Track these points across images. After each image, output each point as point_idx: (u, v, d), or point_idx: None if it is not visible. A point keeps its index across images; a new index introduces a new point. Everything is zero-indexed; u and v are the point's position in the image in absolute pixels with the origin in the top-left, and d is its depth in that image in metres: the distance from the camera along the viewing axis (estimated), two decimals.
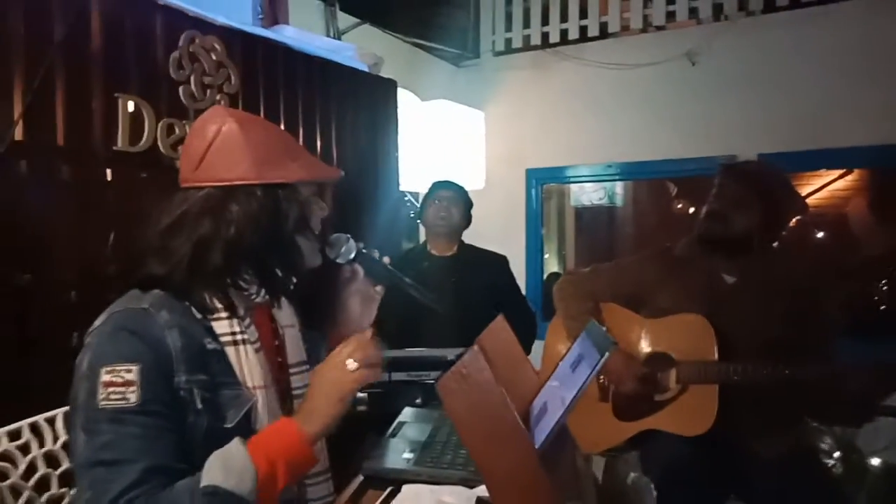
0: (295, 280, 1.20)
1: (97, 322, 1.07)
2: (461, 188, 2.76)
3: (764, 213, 1.92)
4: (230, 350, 1.09)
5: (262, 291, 1.16)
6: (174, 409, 1.01)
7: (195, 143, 1.13)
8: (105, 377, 0.98)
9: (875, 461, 2.68)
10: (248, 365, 1.10)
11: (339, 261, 1.28)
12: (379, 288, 1.33)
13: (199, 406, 1.03)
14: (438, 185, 2.76)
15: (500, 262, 2.78)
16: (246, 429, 1.07)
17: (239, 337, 1.10)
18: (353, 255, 1.28)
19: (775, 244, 2.06)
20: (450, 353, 1.97)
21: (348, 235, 1.28)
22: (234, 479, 0.95)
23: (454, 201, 2.68)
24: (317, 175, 1.20)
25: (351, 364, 1.05)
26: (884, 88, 3.16)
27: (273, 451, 0.99)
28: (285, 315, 1.27)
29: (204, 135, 1.12)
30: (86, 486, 0.96)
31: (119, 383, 0.98)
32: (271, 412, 1.11)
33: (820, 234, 4.54)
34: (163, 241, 1.09)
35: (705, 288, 1.99)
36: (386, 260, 1.31)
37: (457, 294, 2.52)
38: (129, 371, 0.98)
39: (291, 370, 1.22)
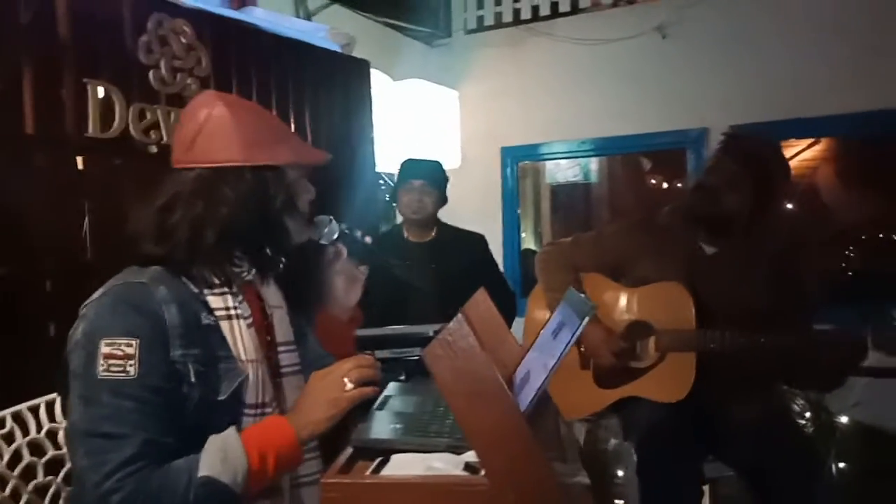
0: (284, 259, 1.24)
1: (95, 294, 1.09)
2: (434, 169, 2.67)
3: (755, 195, 1.93)
4: (224, 324, 1.13)
5: (252, 269, 1.20)
6: (170, 382, 1.05)
7: (187, 125, 1.17)
8: (105, 349, 1.02)
9: (844, 419, 2.78)
10: (240, 339, 1.14)
11: (322, 241, 1.32)
12: (363, 268, 1.38)
13: (193, 379, 1.07)
14: (409, 171, 2.65)
15: (479, 241, 2.78)
16: (237, 401, 1.11)
17: (233, 312, 1.14)
18: (336, 236, 1.33)
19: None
20: (430, 329, 1.98)
21: (331, 217, 1.32)
22: (229, 472, 1.01)
23: (427, 190, 2.59)
24: (304, 158, 1.23)
25: (348, 384, 1.10)
26: (851, 57, 3.22)
27: (265, 446, 1.05)
28: (273, 296, 1.29)
29: (195, 118, 1.16)
30: (82, 453, 1.00)
31: (119, 356, 1.01)
32: (262, 385, 1.14)
33: (790, 205, 4.63)
34: (158, 221, 1.13)
35: (685, 257, 2.03)
36: (368, 240, 1.36)
37: (438, 278, 2.52)
38: (129, 345, 1.02)
39: (280, 348, 1.25)
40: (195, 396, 1.07)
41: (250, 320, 1.17)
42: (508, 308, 2.67)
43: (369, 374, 1.13)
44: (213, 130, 1.14)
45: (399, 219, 2.85)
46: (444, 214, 2.78)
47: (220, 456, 1.02)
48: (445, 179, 2.71)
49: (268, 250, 1.20)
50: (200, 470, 1.00)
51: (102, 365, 1.01)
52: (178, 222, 1.12)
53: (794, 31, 3.36)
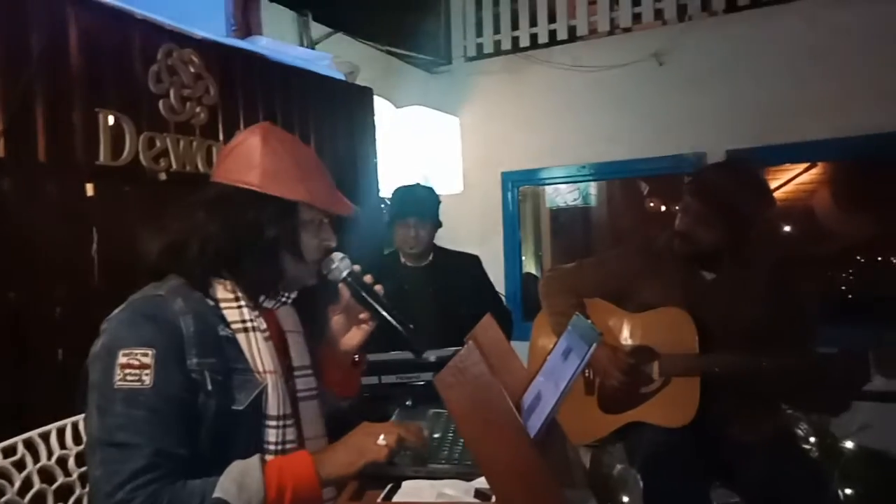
0: (288, 294, 1.25)
1: (116, 311, 1.11)
2: (425, 201, 2.63)
3: (729, 225, 1.93)
4: (241, 337, 1.14)
5: (256, 294, 1.20)
6: (187, 391, 1.06)
7: (228, 146, 1.24)
8: (122, 359, 1.03)
9: (848, 444, 2.77)
10: (258, 351, 1.15)
11: (329, 278, 1.27)
12: (366, 315, 1.30)
13: (210, 387, 1.08)
14: (402, 207, 2.61)
15: (473, 262, 2.79)
16: (258, 413, 1.12)
17: (249, 324, 1.15)
18: (343, 275, 1.27)
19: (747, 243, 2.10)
20: (432, 355, 1.98)
21: (343, 255, 1.28)
22: (243, 499, 1.00)
23: (421, 224, 2.58)
24: (320, 202, 1.22)
25: (381, 440, 1.09)
26: (844, 83, 3.27)
27: (285, 479, 1.04)
28: (290, 321, 1.29)
29: (235, 140, 1.24)
30: (97, 462, 1.01)
31: (135, 366, 1.03)
32: (281, 397, 1.15)
33: (787, 228, 4.66)
34: (164, 226, 1.18)
35: (685, 283, 2.04)
36: (379, 289, 1.29)
37: (436, 301, 2.54)
38: (145, 355, 1.04)
39: (296, 373, 1.25)
40: (213, 406, 1.08)
41: (267, 333, 1.18)
42: (505, 324, 2.67)
43: (410, 443, 1.11)
44: (242, 154, 1.19)
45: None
46: (447, 240, 2.80)
47: (238, 482, 1.02)
48: (437, 206, 2.68)
49: (264, 285, 1.20)
50: (216, 492, 1.01)
51: (119, 375, 1.03)
52: (178, 228, 1.16)
53: (789, 57, 3.41)
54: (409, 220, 2.58)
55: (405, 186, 2.73)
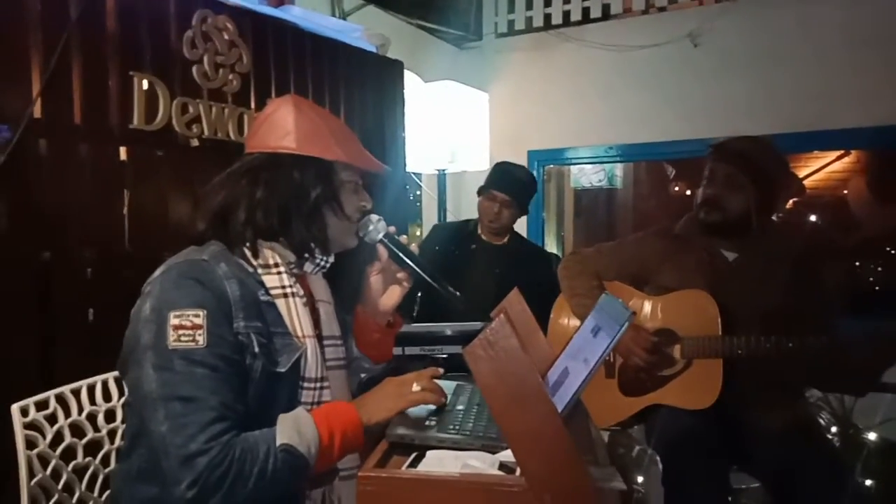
0: (327, 258, 1.26)
1: (156, 273, 1.14)
2: (523, 185, 2.65)
3: (757, 190, 1.95)
4: (280, 302, 1.17)
5: (299, 261, 1.23)
6: (236, 352, 1.09)
7: (259, 117, 1.27)
8: (174, 321, 1.05)
9: (871, 436, 2.75)
10: (297, 316, 1.18)
11: (366, 240, 1.31)
12: (403, 275, 1.36)
13: (257, 349, 1.11)
14: (499, 180, 2.63)
15: (548, 259, 2.80)
16: (296, 374, 1.16)
17: (289, 290, 1.18)
18: (380, 236, 1.31)
19: (774, 218, 2.09)
20: (453, 329, 1.98)
21: (379, 217, 1.32)
22: (304, 444, 1.06)
23: (508, 203, 2.60)
24: (356, 160, 1.26)
25: (415, 386, 1.19)
26: (882, 69, 3.18)
27: (334, 425, 1.10)
28: (321, 289, 1.32)
29: (266, 111, 1.26)
30: (161, 418, 1.02)
31: (188, 326, 1.05)
32: (319, 360, 1.19)
33: (816, 217, 4.59)
34: (207, 196, 1.21)
35: (707, 265, 2.03)
36: (414, 247, 1.33)
37: (498, 284, 2.52)
38: (196, 316, 1.06)
39: (326, 342, 1.27)
40: (258, 368, 1.11)
41: (305, 299, 1.21)
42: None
43: (435, 386, 1.21)
44: (276, 122, 1.22)
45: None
46: (469, 214, 2.78)
47: (296, 428, 1.07)
48: (531, 194, 2.70)
49: (305, 239, 1.22)
50: (279, 439, 1.05)
51: (173, 336, 1.04)
52: (220, 199, 1.19)
53: (824, 42, 3.32)
54: (497, 195, 2.61)
55: (508, 162, 2.74)
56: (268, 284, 1.17)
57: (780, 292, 1.94)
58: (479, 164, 3.55)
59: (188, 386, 1.03)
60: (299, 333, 1.17)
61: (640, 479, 2.43)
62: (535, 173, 4.21)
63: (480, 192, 2.69)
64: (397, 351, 1.85)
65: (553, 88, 4.08)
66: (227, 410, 1.04)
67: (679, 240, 2.10)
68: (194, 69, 1.95)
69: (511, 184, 2.64)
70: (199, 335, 1.05)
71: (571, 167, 5.01)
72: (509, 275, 2.56)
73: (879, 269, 4.32)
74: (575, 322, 2.16)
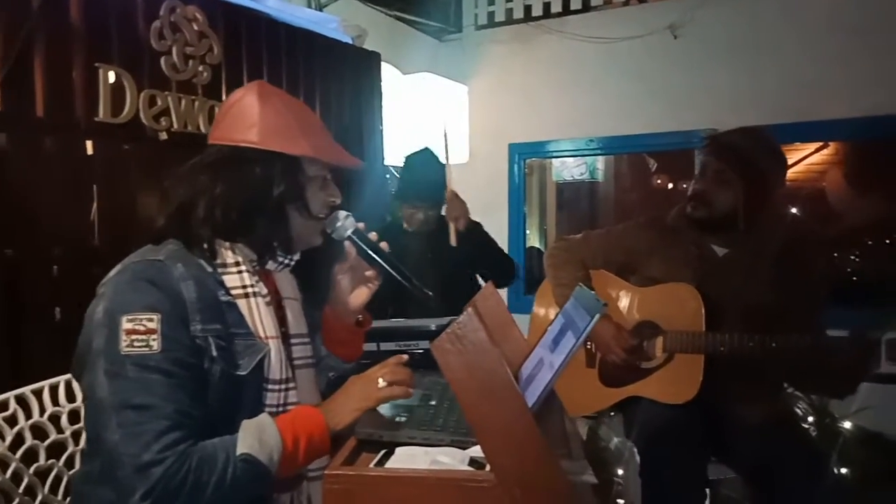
0: (291, 256, 1.22)
1: (111, 273, 1.09)
2: (435, 186, 2.56)
3: (748, 187, 1.92)
4: (241, 302, 1.12)
5: (261, 258, 1.18)
6: (193, 356, 1.04)
7: (223, 106, 1.21)
8: (126, 325, 1.01)
9: (847, 424, 2.77)
10: (258, 316, 1.13)
11: (333, 237, 1.26)
12: (372, 273, 1.31)
13: (215, 353, 1.06)
14: (416, 188, 2.55)
15: (472, 227, 2.77)
16: (259, 377, 1.11)
17: (250, 290, 1.14)
18: (348, 233, 1.26)
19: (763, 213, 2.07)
20: (433, 324, 1.97)
21: (348, 213, 1.27)
22: (266, 452, 1.02)
23: (431, 206, 2.56)
24: (324, 155, 1.20)
25: (381, 382, 1.15)
26: (862, 60, 3.20)
27: (298, 431, 1.07)
28: (288, 287, 1.28)
29: (230, 100, 1.20)
30: (115, 426, 0.99)
31: (141, 331, 1.01)
32: (283, 361, 1.15)
33: (796, 209, 4.61)
34: (167, 191, 1.15)
35: (696, 259, 2.01)
36: (384, 245, 1.29)
37: (434, 266, 2.51)
38: (150, 320, 1.02)
39: (293, 340, 1.23)
40: (217, 372, 1.06)
41: (268, 298, 1.17)
42: (509, 273, 2.72)
43: (402, 375, 1.17)
44: (239, 113, 1.16)
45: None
46: None
47: (257, 436, 1.03)
48: (444, 187, 2.62)
49: (267, 238, 1.17)
50: (239, 448, 1.01)
51: (125, 340, 1.00)
52: (181, 194, 1.14)
53: (805, 34, 3.33)
54: (416, 204, 2.55)
55: (418, 166, 2.62)
56: (228, 284, 1.12)
57: (767, 290, 1.93)
58: (458, 157, 3.52)
59: (142, 393, 0.99)
60: (262, 334, 1.12)
61: (619, 471, 2.44)
62: (516, 167, 4.21)
63: (400, 200, 2.61)
64: (372, 347, 1.84)
65: (534, 81, 4.06)
66: (182, 418, 1.00)
67: (669, 231, 2.07)
68: (162, 61, 1.91)
69: (430, 190, 2.56)
70: (154, 340, 1.00)
71: (553, 160, 5.01)
72: (441, 254, 2.53)
73: (857, 259, 4.36)
74: (556, 311, 2.15)
